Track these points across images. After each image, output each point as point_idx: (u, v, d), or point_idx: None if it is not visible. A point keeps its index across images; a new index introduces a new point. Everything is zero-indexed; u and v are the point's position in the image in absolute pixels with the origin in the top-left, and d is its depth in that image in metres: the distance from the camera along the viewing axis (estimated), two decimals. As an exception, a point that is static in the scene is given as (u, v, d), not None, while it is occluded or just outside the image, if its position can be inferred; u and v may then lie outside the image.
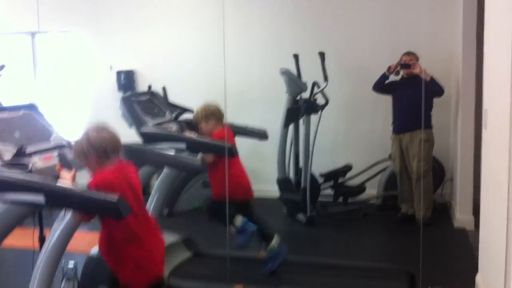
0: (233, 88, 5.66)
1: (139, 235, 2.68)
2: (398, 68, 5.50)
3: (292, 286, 3.80)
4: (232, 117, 4.24)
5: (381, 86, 5.66)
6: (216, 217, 3.96)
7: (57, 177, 2.47)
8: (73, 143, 2.72)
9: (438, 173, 6.01)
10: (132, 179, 2.75)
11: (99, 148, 2.61)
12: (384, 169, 6.08)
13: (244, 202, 4.04)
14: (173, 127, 4.02)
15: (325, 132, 5.96)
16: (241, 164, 4.08)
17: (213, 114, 4.01)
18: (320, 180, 5.97)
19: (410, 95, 5.33)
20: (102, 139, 2.62)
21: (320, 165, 5.97)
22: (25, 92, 7.24)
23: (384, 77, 5.61)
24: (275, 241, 3.96)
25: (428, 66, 5.39)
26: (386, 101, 5.79)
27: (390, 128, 5.73)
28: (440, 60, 6.00)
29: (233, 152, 3.65)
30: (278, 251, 3.95)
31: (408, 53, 5.48)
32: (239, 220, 3.91)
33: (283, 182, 5.86)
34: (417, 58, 5.43)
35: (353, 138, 6.54)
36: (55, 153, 2.65)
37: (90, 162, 2.65)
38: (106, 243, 2.71)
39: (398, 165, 5.63)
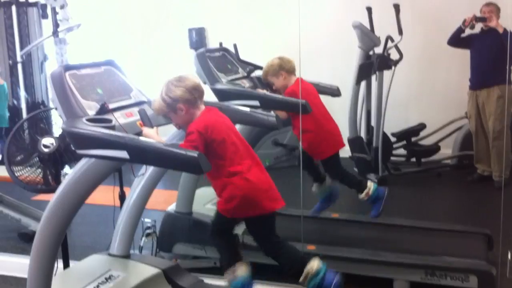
0: (303, 43, 5.54)
1: (242, 171, 2.66)
2: (474, 21, 5.22)
3: (365, 246, 3.74)
4: (303, 73, 4.14)
5: (456, 40, 5.38)
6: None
7: (139, 133, 2.50)
8: (153, 100, 2.73)
9: (518, 132, 5.74)
10: (226, 119, 2.74)
11: (184, 97, 2.59)
12: (460, 128, 5.85)
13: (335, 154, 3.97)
14: (247, 84, 3.99)
15: (398, 88, 5.74)
16: (326, 112, 4.00)
17: (281, 67, 3.87)
18: (393, 139, 5.83)
19: (488, 49, 5.10)
20: (185, 87, 2.60)
21: (393, 122, 5.80)
22: (99, 51, 7.36)
23: (460, 30, 5.33)
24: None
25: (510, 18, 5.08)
26: (463, 55, 5.49)
27: (467, 84, 5.48)
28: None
29: (307, 109, 3.58)
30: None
31: (488, 4, 5.16)
32: (371, 188, 3.88)
33: (354, 141, 5.75)
34: (498, 9, 5.11)
35: (427, 94, 6.30)
36: (136, 109, 2.67)
37: (178, 114, 2.63)
38: (213, 179, 2.73)
39: (474, 123, 5.42)
